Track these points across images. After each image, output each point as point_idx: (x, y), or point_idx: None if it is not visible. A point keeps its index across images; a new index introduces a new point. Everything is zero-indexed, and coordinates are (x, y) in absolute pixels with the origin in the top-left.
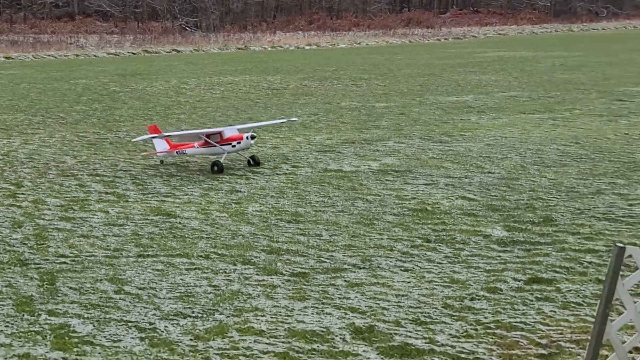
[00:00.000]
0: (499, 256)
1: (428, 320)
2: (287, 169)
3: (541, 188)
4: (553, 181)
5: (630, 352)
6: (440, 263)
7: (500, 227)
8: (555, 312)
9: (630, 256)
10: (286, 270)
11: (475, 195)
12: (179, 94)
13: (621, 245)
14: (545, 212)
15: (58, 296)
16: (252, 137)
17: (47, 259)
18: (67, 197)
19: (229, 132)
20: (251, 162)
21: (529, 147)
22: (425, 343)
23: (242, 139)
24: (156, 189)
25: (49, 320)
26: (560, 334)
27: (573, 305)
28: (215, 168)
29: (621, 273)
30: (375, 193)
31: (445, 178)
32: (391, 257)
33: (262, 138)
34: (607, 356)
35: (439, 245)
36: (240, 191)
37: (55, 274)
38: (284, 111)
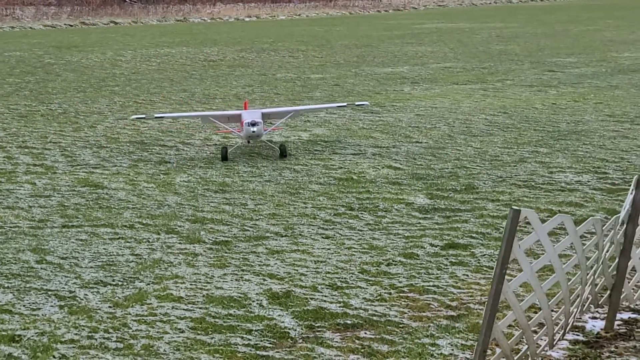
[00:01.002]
0: (419, 223)
1: (344, 285)
2: (218, 140)
3: (466, 157)
4: (478, 150)
5: (527, 310)
6: (361, 230)
7: (423, 195)
8: (467, 275)
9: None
10: (209, 239)
11: (401, 164)
12: (114, 66)
13: (517, 208)
14: (468, 180)
15: None
16: (252, 124)
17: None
18: None
19: (248, 115)
20: (279, 151)
21: (458, 117)
22: (340, 307)
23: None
24: (85, 160)
25: None
26: (471, 296)
27: (485, 269)
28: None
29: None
30: (303, 163)
31: (373, 148)
32: (313, 225)
33: (194, 109)
34: (505, 315)
35: (362, 213)
36: (169, 162)
37: None
38: (219, 83)
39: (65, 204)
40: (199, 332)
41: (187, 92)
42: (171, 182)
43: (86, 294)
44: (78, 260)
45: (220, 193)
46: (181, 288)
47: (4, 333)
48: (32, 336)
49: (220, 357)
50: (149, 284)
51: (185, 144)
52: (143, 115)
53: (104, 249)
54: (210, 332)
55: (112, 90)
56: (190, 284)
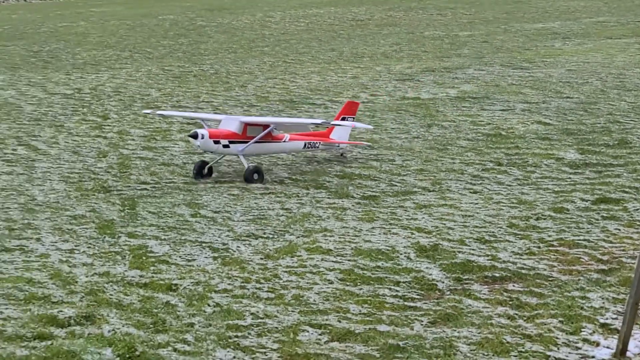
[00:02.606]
0: (569, 178)
1: (492, 239)
2: (366, 98)
3: (619, 112)
4: (632, 104)
5: None
6: (509, 185)
7: (573, 150)
8: (619, 230)
9: None
10: (357, 194)
11: (551, 119)
12: (263, 27)
13: None
14: (621, 134)
15: (137, 220)
16: (193, 136)
17: (129, 186)
18: (150, 127)
19: (225, 123)
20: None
21: (611, 72)
22: (488, 260)
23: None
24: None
25: (128, 241)
26: (623, 250)
27: (639, 223)
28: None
29: None
30: (451, 119)
31: (522, 104)
32: (461, 180)
33: (343, 68)
34: None
35: (510, 169)
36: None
37: (136, 199)
38: (367, 42)
39: (219, 161)
40: (348, 283)
41: (336, 51)
42: None
43: (238, 246)
44: (230, 214)
45: (367, 149)
46: (330, 241)
47: (161, 282)
48: (188, 285)
49: (369, 308)
50: (298, 237)
51: (333, 102)
52: (149, 110)
53: (255, 203)
54: (358, 284)
55: (261, 50)
56: (339, 237)
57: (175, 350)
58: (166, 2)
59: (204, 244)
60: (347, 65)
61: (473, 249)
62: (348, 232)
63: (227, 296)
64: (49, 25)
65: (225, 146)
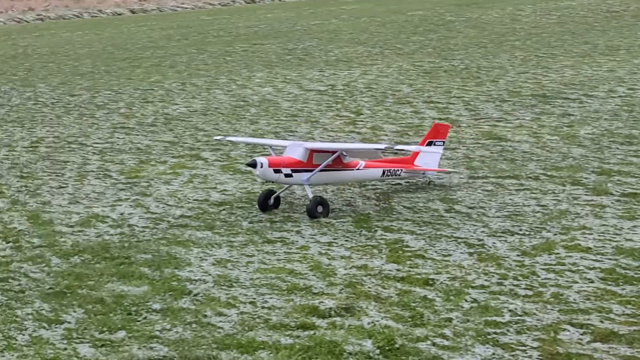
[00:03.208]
0: None
1: None
2: (622, 92)
3: None
4: None
5: None
6: None
7: None
8: None
9: None
10: (616, 191)
11: None
12: (514, 21)
13: None
14: None
15: (393, 214)
16: (251, 164)
17: (383, 181)
18: (402, 123)
19: (291, 149)
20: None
21: None
22: None
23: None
24: (488, 113)
25: (385, 235)
26: None
27: None
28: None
29: None
30: None
31: None
32: None
33: (597, 61)
34: None
35: None
36: (572, 115)
37: (390, 194)
38: (623, 34)
39: (471, 156)
40: (609, 282)
41: (589, 44)
42: (575, 134)
43: (494, 242)
44: (485, 210)
45: (627, 145)
46: (589, 239)
47: (418, 277)
48: (445, 280)
49: (633, 308)
50: (556, 234)
51: (588, 96)
52: (220, 137)
53: (510, 199)
54: (620, 284)
55: (512, 44)
56: (598, 235)
57: (434, 344)
58: None
59: (459, 240)
60: (602, 58)
61: None
62: (608, 230)
63: (484, 292)
64: (302, 23)
65: (287, 175)
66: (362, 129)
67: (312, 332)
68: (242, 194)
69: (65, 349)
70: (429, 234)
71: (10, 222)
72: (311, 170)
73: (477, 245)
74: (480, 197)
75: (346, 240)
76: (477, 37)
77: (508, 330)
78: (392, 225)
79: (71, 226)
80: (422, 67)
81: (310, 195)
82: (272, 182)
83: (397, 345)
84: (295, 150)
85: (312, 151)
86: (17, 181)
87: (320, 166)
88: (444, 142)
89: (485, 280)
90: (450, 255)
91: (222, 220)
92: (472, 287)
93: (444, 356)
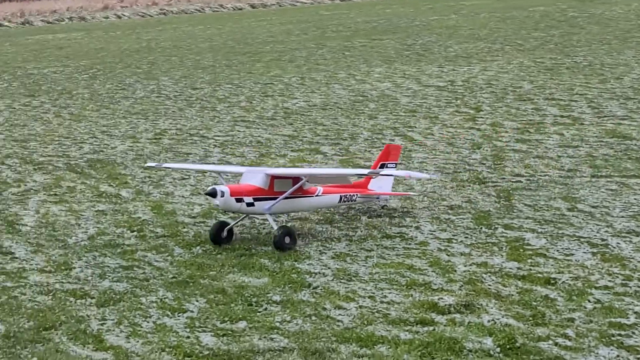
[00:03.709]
0: None
1: None
2: None
3: None
4: None
5: None
6: None
7: None
8: None
9: None
10: None
11: None
12: (639, 17)
13: None
14: None
15: (513, 212)
16: (211, 194)
17: (504, 178)
18: (523, 120)
19: (248, 175)
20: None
21: None
22: None
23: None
24: (612, 111)
25: (505, 233)
26: None
27: None
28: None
29: None
30: None
31: None
32: None
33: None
34: None
35: None
36: None
37: (511, 191)
38: None
39: (594, 155)
40: None
41: None
42: None
43: (618, 243)
44: (609, 209)
45: None
46: None
47: (539, 275)
48: (567, 280)
49: None
50: None
51: None
52: (155, 164)
53: (635, 199)
54: None
55: (638, 41)
56: None
57: (556, 344)
58: None
59: (582, 239)
60: None
61: None
62: None
63: (608, 293)
64: (421, 19)
65: (249, 204)
66: (482, 125)
67: (431, 328)
68: None
69: (188, 337)
70: (551, 233)
71: (135, 212)
72: (273, 198)
73: (601, 245)
74: (604, 196)
75: (466, 237)
76: (601, 33)
77: (634, 333)
78: (512, 223)
79: (193, 217)
80: (544, 63)
81: (275, 226)
82: (233, 212)
83: (517, 344)
84: (253, 176)
85: (274, 177)
86: (141, 172)
87: (286, 193)
88: (396, 164)
89: (609, 280)
90: (572, 254)
91: (341, 215)
92: (595, 288)
93: (566, 357)
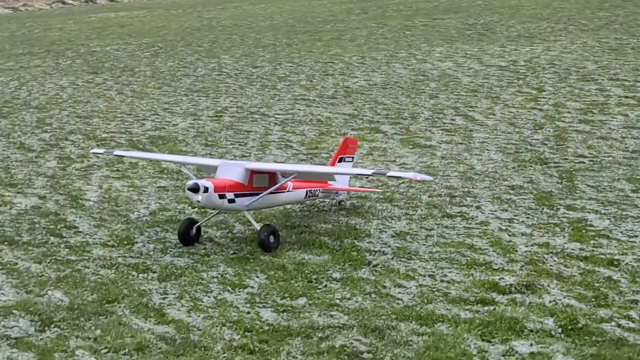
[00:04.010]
0: None
1: None
2: None
3: None
4: None
5: None
6: None
7: None
8: None
9: None
10: None
11: None
12: None
13: None
14: None
15: (576, 193)
16: (193, 189)
17: (566, 159)
18: (586, 100)
19: (222, 169)
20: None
21: None
22: None
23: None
24: None
25: (567, 214)
26: None
27: None
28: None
29: None
30: None
31: None
32: None
33: None
34: None
35: None
36: None
37: (573, 172)
38: None
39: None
40: None
41: None
42: None
43: None
44: None
45: None
46: None
47: (602, 257)
48: (630, 262)
49: None
50: None
51: None
52: (102, 151)
53: None
54: None
55: None
56: None
57: (619, 326)
58: None
59: None
60: None
61: None
62: None
63: None
64: None
65: (230, 201)
66: (544, 105)
67: (492, 307)
68: (421, 168)
69: (249, 312)
70: (614, 214)
71: None
72: (252, 194)
73: None
74: None
75: (527, 217)
76: None
77: None
78: (575, 204)
79: None
80: (608, 43)
81: (257, 226)
82: (212, 209)
83: (580, 325)
84: (230, 170)
85: (253, 172)
86: (202, 149)
87: (271, 188)
88: (353, 157)
89: None
90: (636, 236)
91: (401, 194)
92: None
93: (629, 338)
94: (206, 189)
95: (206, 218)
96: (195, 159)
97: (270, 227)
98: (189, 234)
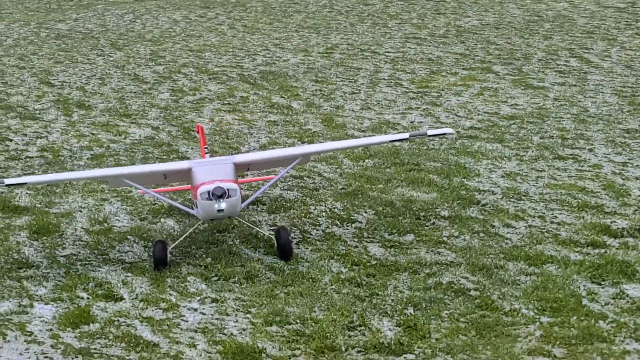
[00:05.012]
0: None
1: None
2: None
3: None
4: None
5: None
6: None
7: None
8: None
9: None
10: None
11: None
12: None
13: None
14: None
15: None
16: (219, 196)
17: None
18: None
19: (207, 174)
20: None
21: None
22: None
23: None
24: None
25: None
26: None
27: None
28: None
29: None
30: None
31: None
32: None
33: None
34: None
35: None
36: None
37: None
38: None
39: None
40: None
41: None
42: None
43: None
44: None
45: None
46: None
47: None
48: None
49: None
50: None
51: None
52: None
53: None
54: None
55: None
56: None
57: None
58: None
59: None
60: None
61: None
62: None
63: None
64: None
65: None
66: None
67: (602, 250)
68: (533, 109)
69: (356, 246)
70: None
71: (305, 124)
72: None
73: None
74: None
75: None
76: None
77: None
78: None
79: (363, 131)
80: None
81: (266, 231)
82: (229, 217)
83: None
84: (218, 169)
85: (237, 166)
86: (312, 85)
87: (265, 187)
88: (207, 146)
89: None
90: None
91: (512, 134)
92: None
93: None
94: (234, 192)
95: (185, 235)
96: (137, 167)
97: (283, 229)
98: (166, 256)
